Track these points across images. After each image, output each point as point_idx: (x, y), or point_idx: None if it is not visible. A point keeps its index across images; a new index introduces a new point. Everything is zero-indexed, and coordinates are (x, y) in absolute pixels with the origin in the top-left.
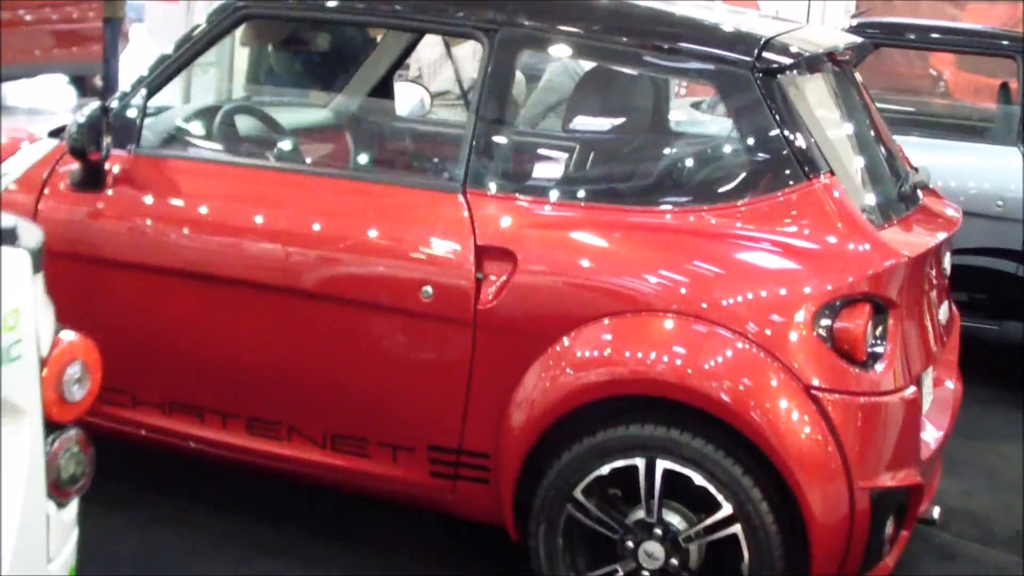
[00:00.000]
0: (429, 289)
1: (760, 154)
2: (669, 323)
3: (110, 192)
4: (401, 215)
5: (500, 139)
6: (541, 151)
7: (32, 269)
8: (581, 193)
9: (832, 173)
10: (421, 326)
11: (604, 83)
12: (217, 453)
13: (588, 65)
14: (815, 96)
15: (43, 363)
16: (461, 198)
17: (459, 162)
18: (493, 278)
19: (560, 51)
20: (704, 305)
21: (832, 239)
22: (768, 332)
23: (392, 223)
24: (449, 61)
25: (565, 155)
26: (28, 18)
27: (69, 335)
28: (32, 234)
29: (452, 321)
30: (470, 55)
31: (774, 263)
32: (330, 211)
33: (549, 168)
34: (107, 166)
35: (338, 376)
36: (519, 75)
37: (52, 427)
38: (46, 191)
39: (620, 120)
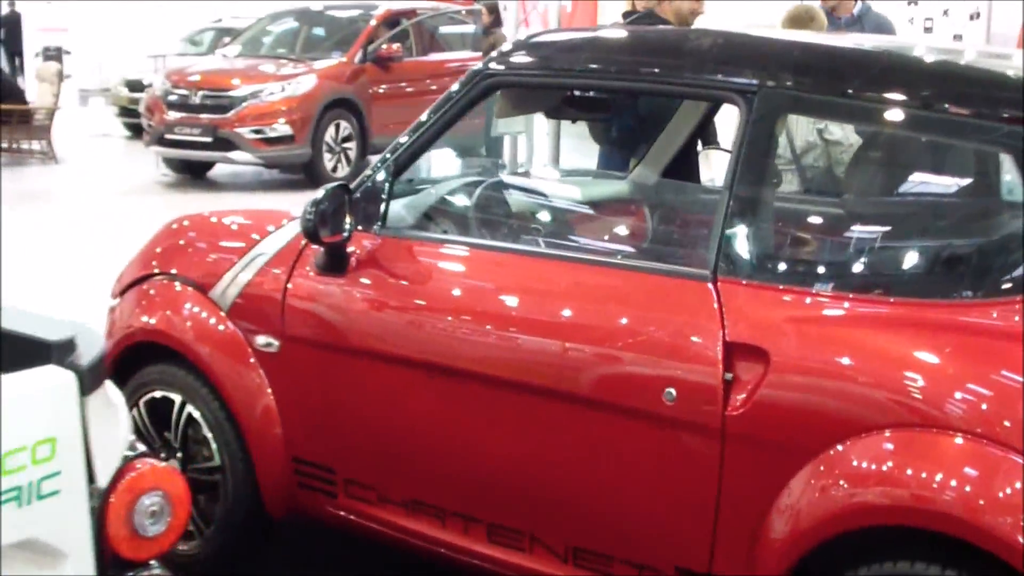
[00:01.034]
0: (672, 391)
1: None
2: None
3: (353, 276)
4: (646, 305)
5: (757, 218)
6: (805, 232)
7: (80, 391)
8: (855, 282)
9: None
10: (665, 433)
11: (887, 152)
12: (458, 558)
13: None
14: None
15: (108, 492)
16: (711, 287)
17: (710, 244)
18: (744, 380)
19: (829, 115)
20: (1007, 424)
21: None
22: None
23: (636, 314)
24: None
25: (835, 237)
26: None
27: (148, 462)
28: (91, 346)
29: (698, 428)
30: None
31: None
32: (573, 302)
33: (815, 252)
34: (350, 248)
35: (581, 484)
36: (781, 144)
37: (125, 565)
38: (295, 273)
39: (903, 195)
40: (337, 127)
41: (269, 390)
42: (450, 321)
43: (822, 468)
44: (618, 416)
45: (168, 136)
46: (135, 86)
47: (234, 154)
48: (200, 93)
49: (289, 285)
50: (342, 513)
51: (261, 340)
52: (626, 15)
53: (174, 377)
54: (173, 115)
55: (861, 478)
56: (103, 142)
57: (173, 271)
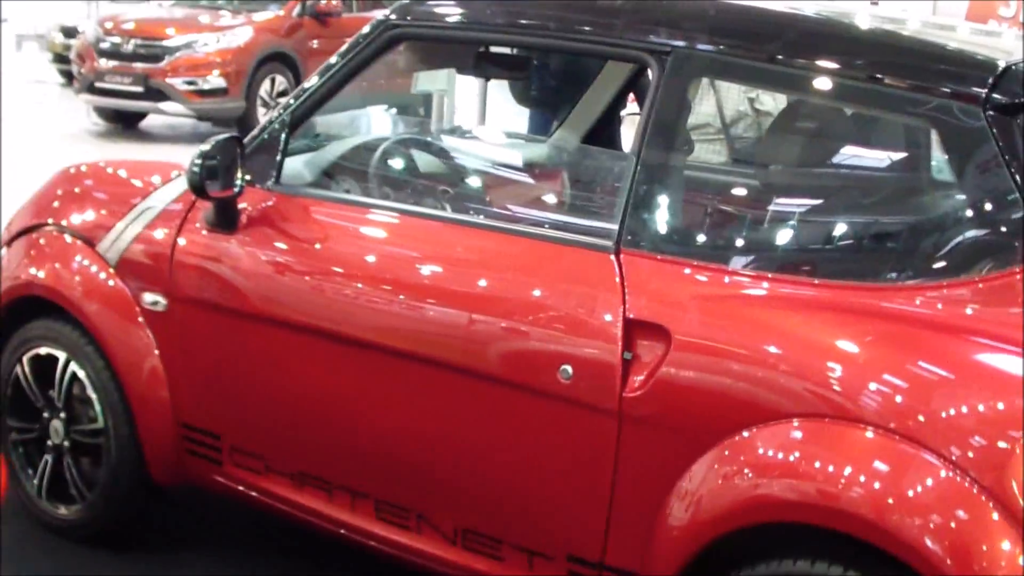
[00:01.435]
0: (568, 368)
1: (1000, 214)
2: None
3: (242, 234)
4: (547, 277)
5: (666, 187)
6: (719, 204)
7: None
8: (771, 260)
9: None
10: (560, 412)
11: (806, 121)
12: (346, 535)
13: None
14: None
15: None
16: (613, 259)
17: (614, 214)
18: (644, 359)
19: (745, 79)
20: (921, 419)
21: None
22: (983, 460)
23: (535, 286)
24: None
25: (749, 210)
26: None
27: None
28: None
29: (594, 409)
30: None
31: (1010, 365)
32: (471, 270)
33: (726, 226)
34: (241, 204)
35: (471, 462)
36: (693, 108)
37: None
38: (185, 229)
39: (822, 167)
40: (273, 81)
41: (156, 351)
42: (340, 286)
43: (724, 456)
44: (512, 392)
45: (99, 84)
46: (70, 32)
47: (165, 105)
48: (133, 41)
49: (178, 241)
50: (228, 482)
51: (148, 298)
52: None
53: (59, 333)
54: (104, 63)
55: (765, 469)
56: (36, 89)
57: (62, 222)
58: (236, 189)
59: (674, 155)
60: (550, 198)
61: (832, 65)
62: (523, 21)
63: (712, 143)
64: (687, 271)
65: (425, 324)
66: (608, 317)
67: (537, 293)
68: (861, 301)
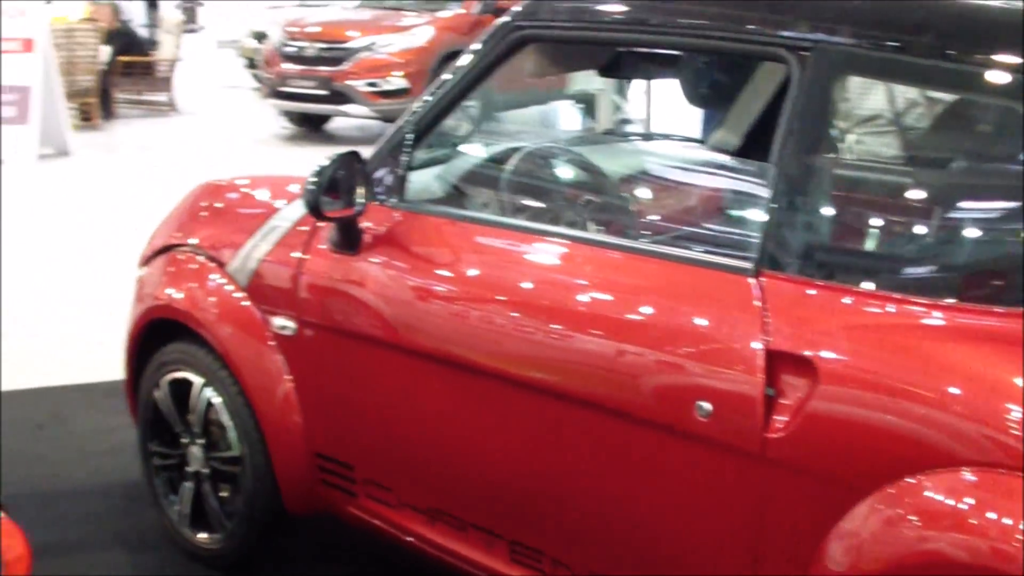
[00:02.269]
0: (706, 405)
1: None
2: None
3: (365, 255)
4: (682, 304)
5: (811, 200)
6: (875, 218)
7: None
8: (938, 284)
9: None
10: (699, 453)
11: (978, 122)
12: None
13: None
14: None
15: None
16: (753, 282)
17: (754, 231)
18: (789, 396)
19: (899, 77)
20: None
21: None
22: None
23: (669, 314)
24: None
25: (913, 225)
26: None
27: None
28: None
29: (734, 450)
30: None
31: None
32: (607, 295)
33: (885, 244)
34: (364, 223)
35: (607, 505)
36: (840, 110)
37: None
38: (310, 249)
39: (1000, 174)
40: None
41: (288, 377)
42: (469, 312)
43: (888, 500)
44: (648, 430)
45: (283, 89)
46: (261, 37)
47: (348, 107)
48: (316, 45)
49: (304, 262)
50: (363, 515)
51: (278, 322)
52: None
53: (194, 357)
54: (289, 67)
55: (934, 520)
56: (230, 94)
57: (196, 241)
58: (356, 208)
59: (820, 164)
60: (688, 213)
61: (1002, 60)
62: (652, 19)
63: (869, 147)
64: (837, 296)
65: (553, 353)
66: (748, 348)
67: (672, 321)
68: None
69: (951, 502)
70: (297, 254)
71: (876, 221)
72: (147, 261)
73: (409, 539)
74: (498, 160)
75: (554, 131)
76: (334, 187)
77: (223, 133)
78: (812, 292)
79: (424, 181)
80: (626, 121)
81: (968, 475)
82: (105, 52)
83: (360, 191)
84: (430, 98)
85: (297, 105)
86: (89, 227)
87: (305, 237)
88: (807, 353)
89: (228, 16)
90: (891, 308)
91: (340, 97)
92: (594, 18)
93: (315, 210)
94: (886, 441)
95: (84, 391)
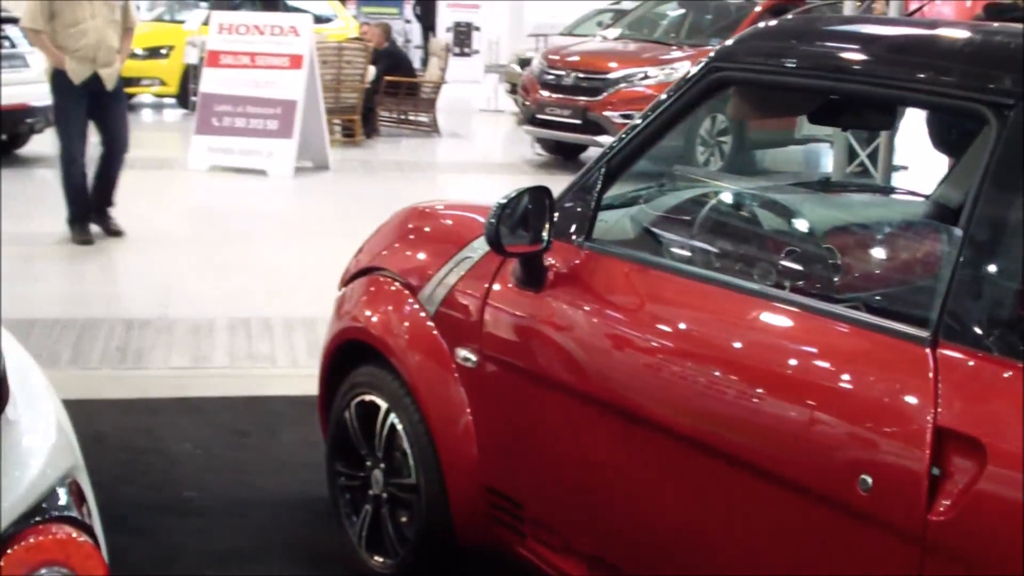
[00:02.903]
0: (868, 480)
1: None
2: None
3: (548, 294)
4: (853, 371)
5: (1001, 268)
6: None
7: None
8: None
9: None
10: (858, 528)
11: None
12: None
13: None
14: None
15: None
16: (929, 353)
17: (933, 298)
18: (955, 477)
19: None
20: None
21: None
22: None
23: (838, 381)
24: None
25: None
26: None
27: (61, 529)
28: None
29: (894, 530)
30: None
31: None
32: (770, 355)
33: None
34: (550, 261)
35: (765, 571)
36: None
37: None
38: (496, 283)
39: None
40: (713, 119)
41: (468, 410)
42: (646, 363)
43: None
44: (808, 500)
45: (540, 116)
46: (527, 64)
47: (602, 138)
48: (574, 74)
49: (489, 296)
50: (530, 556)
51: (461, 353)
52: (990, 7)
53: (382, 382)
54: (546, 95)
55: None
56: (492, 118)
57: (392, 265)
58: (542, 245)
59: (1014, 231)
60: (874, 273)
61: None
62: (850, 66)
63: None
64: (1019, 374)
65: (724, 411)
66: (916, 423)
67: (841, 388)
68: None
69: None
70: (484, 286)
71: None
72: (348, 281)
73: None
74: (691, 205)
75: (763, 177)
76: (524, 221)
77: (477, 157)
78: (991, 367)
79: (615, 222)
80: (864, 170)
81: None
82: (371, 71)
83: (547, 227)
84: (626, 136)
85: (551, 133)
86: (328, 240)
87: (492, 270)
88: (978, 434)
89: (500, 42)
90: None
91: (594, 127)
92: (793, 62)
93: (496, 244)
94: None
95: (297, 404)
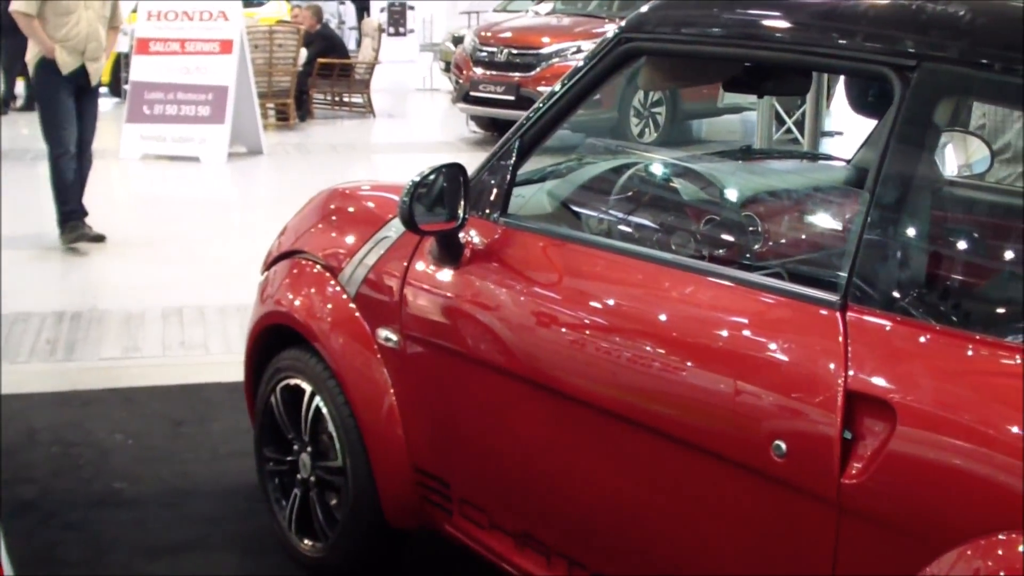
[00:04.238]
0: (782, 445)
1: None
2: None
3: (465, 271)
4: (765, 338)
5: (907, 230)
6: (976, 254)
7: None
8: None
9: None
10: (777, 494)
11: None
12: None
13: None
14: None
15: None
16: (839, 317)
17: (841, 262)
18: (866, 441)
19: (1008, 99)
20: None
21: None
22: None
23: (752, 349)
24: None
25: (1016, 262)
26: None
27: None
28: None
29: (809, 494)
30: None
31: None
32: (685, 326)
33: (986, 282)
34: (466, 237)
35: (686, 542)
36: (943, 134)
37: None
38: (414, 262)
39: None
40: (647, 92)
41: (392, 391)
42: (562, 336)
43: (979, 550)
44: (727, 468)
45: (473, 94)
46: (460, 42)
47: None
48: (506, 51)
49: (408, 275)
50: (458, 533)
51: (382, 333)
52: None
53: (305, 365)
54: (479, 72)
55: None
56: (427, 97)
57: (313, 248)
58: (457, 222)
59: (919, 192)
60: (784, 240)
61: None
62: (755, 31)
63: (975, 174)
64: (927, 336)
65: (639, 381)
66: (827, 387)
67: (756, 356)
68: None
69: None
70: (402, 265)
71: (971, 256)
72: (270, 265)
73: (498, 562)
74: (608, 177)
75: (687, 147)
76: (440, 199)
77: (413, 136)
78: (899, 329)
79: (531, 196)
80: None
81: None
82: (304, 54)
83: (461, 204)
84: (538, 110)
85: (485, 110)
86: (261, 225)
87: (410, 250)
88: (888, 395)
89: (434, 21)
90: (983, 351)
91: (528, 103)
92: (702, 31)
93: (409, 222)
94: (971, 493)
95: (231, 391)
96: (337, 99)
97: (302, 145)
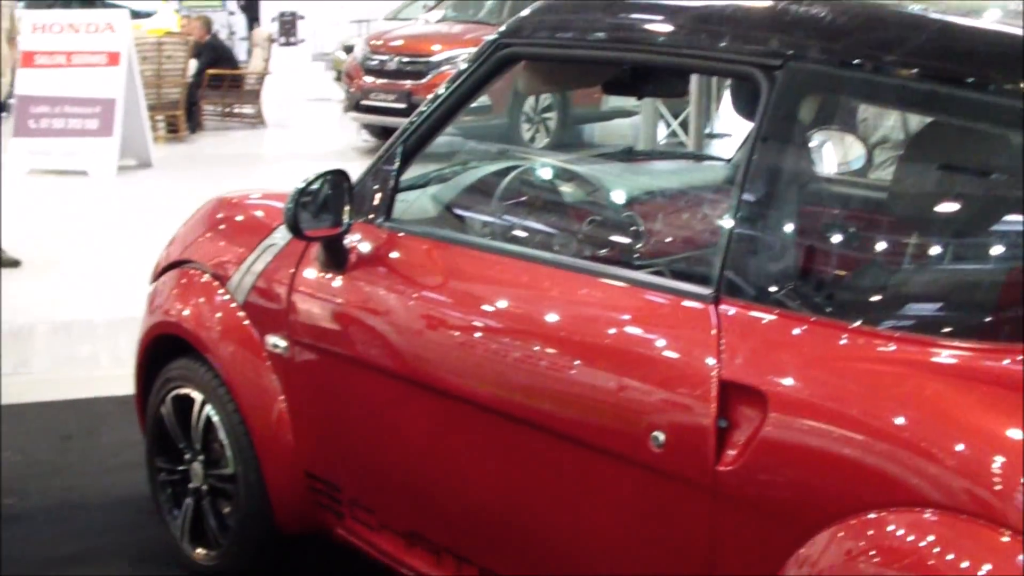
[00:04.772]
0: (660, 436)
1: None
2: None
3: (350, 275)
4: (643, 332)
5: (774, 226)
6: (840, 247)
7: None
8: (901, 315)
9: None
10: (655, 483)
11: (941, 147)
12: None
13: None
14: None
15: None
16: (712, 311)
17: (714, 257)
18: (740, 429)
19: (867, 96)
20: None
21: None
22: None
23: (630, 343)
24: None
25: (878, 255)
26: None
27: None
28: None
29: (687, 482)
30: None
31: None
32: (571, 322)
33: (850, 273)
34: (351, 242)
35: (570, 536)
36: (807, 131)
37: None
38: (301, 268)
39: (967, 204)
40: (538, 97)
41: (282, 397)
42: (445, 337)
43: (849, 531)
44: (608, 460)
45: (365, 102)
46: (352, 51)
47: None
48: (397, 59)
49: (295, 281)
50: (349, 536)
51: (271, 340)
52: None
53: (195, 374)
54: (370, 80)
55: (893, 558)
56: (318, 107)
57: (200, 257)
58: (341, 228)
59: (785, 189)
60: (660, 237)
61: (969, 79)
62: (629, 35)
63: (843, 171)
64: (797, 326)
65: (522, 379)
66: (702, 378)
67: (634, 351)
68: (1011, 369)
69: (911, 539)
70: (289, 271)
71: (838, 248)
72: (159, 275)
73: (389, 562)
74: (491, 180)
75: (573, 150)
76: (324, 205)
77: (305, 146)
78: (770, 320)
79: (415, 200)
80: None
81: (930, 515)
82: (193, 65)
83: (346, 210)
84: (420, 116)
85: (377, 118)
86: (151, 238)
87: (297, 256)
88: (758, 384)
89: (326, 30)
90: (850, 339)
91: None
92: (578, 35)
93: (295, 229)
94: (841, 475)
95: (122, 404)
96: (228, 110)
97: (192, 157)
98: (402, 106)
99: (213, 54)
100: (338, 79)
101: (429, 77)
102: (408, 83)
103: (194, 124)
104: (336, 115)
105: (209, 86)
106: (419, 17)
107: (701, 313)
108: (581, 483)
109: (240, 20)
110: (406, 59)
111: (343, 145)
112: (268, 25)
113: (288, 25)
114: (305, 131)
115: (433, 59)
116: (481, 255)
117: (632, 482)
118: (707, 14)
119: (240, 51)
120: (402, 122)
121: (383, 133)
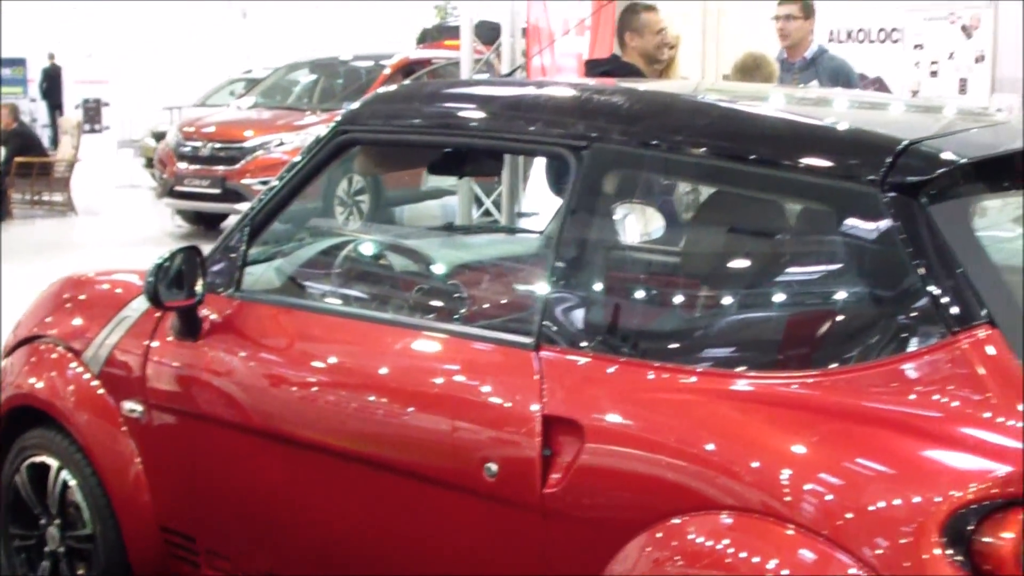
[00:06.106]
0: (493, 467)
1: (893, 301)
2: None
3: (204, 342)
4: (475, 378)
5: (583, 283)
6: (640, 298)
7: None
8: (690, 352)
9: (993, 324)
10: (490, 510)
11: (717, 211)
12: None
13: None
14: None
15: None
16: (534, 356)
17: (534, 310)
18: (562, 455)
19: (661, 171)
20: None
21: (982, 414)
22: (880, 554)
23: (462, 388)
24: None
25: (672, 304)
26: None
27: None
28: None
29: (518, 506)
30: None
31: (898, 453)
32: (402, 373)
33: (647, 320)
34: (205, 312)
35: (417, 564)
36: (611, 202)
37: None
38: (156, 337)
39: (738, 262)
40: (350, 180)
41: (138, 458)
42: (291, 391)
43: (655, 540)
44: (447, 492)
45: (178, 188)
46: (162, 137)
47: (242, 206)
48: (210, 145)
49: (150, 350)
50: None
51: (127, 406)
52: (590, 63)
53: (51, 442)
54: (184, 167)
55: (693, 561)
56: (128, 193)
57: (55, 332)
58: (196, 298)
59: (592, 250)
60: (487, 296)
61: (734, 152)
62: (454, 121)
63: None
64: (605, 366)
65: (366, 427)
66: (527, 415)
67: (466, 396)
68: (777, 392)
69: (710, 543)
70: (144, 342)
71: (642, 300)
72: (10, 352)
73: None
74: (329, 253)
75: (397, 227)
76: (178, 279)
77: (118, 233)
78: (583, 362)
79: (262, 273)
80: (488, 215)
81: (726, 519)
82: (1, 153)
83: (199, 282)
84: (265, 197)
85: (191, 204)
86: None
87: (151, 326)
88: (576, 417)
89: (132, 117)
90: (656, 375)
91: (234, 195)
92: (409, 122)
93: (154, 299)
94: (647, 490)
95: None
96: (36, 198)
97: (3, 246)
98: (216, 191)
99: (21, 141)
100: (148, 166)
101: (243, 163)
102: (222, 168)
103: (2, 212)
104: (147, 201)
105: (17, 174)
106: (230, 103)
107: (524, 358)
108: (425, 515)
109: (41, 107)
110: (219, 145)
111: (157, 231)
112: (72, 112)
113: (92, 112)
114: (116, 218)
115: (246, 144)
116: (322, 318)
117: (471, 510)
118: (522, 102)
119: (41, 138)
120: (217, 207)
121: (197, 218)
